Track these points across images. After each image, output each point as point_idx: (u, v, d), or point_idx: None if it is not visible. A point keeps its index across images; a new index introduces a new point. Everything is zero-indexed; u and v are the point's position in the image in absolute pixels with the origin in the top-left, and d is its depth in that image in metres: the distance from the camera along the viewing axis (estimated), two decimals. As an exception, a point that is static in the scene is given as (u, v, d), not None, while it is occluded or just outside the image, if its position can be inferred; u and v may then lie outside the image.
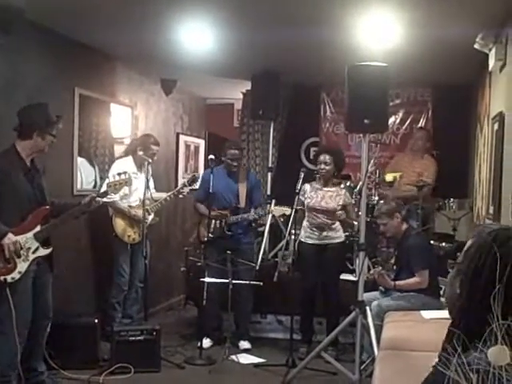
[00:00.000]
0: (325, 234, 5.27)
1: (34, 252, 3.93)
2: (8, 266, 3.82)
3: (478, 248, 1.38)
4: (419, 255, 4.70)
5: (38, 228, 3.95)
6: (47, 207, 4.03)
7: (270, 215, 5.76)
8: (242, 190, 5.54)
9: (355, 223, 5.29)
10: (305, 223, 5.34)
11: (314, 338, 5.43)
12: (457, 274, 1.44)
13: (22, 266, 3.86)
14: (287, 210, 5.24)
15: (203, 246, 5.49)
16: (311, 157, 7.33)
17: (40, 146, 3.97)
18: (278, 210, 5.31)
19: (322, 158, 5.29)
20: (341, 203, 5.25)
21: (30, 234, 3.91)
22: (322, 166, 5.26)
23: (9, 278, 3.80)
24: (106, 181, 5.12)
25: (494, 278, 1.29)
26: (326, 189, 5.32)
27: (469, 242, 1.46)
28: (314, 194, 5.31)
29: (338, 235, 5.31)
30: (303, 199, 5.27)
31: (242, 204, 5.52)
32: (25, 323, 3.92)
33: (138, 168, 5.44)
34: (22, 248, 3.86)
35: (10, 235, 3.80)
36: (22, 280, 3.87)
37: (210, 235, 5.32)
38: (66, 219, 4.13)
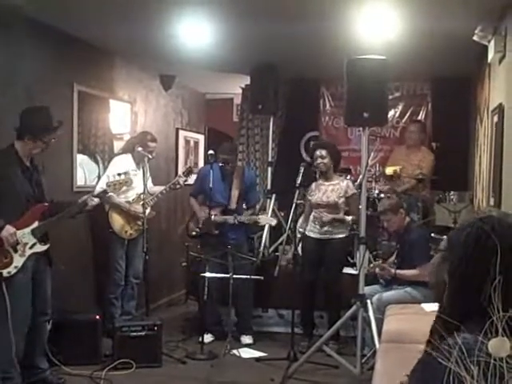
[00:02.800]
0: (325, 228, 5.29)
1: (30, 247, 3.95)
2: (4, 261, 3.83)
3: (466, 236, 1.37)
4: (421, 248, 4.72)
5: (35, 224, 3.98)
6: (45, 204, 4.05)
7: (270, 209, 5.78)
8: (235, 191, 5.54)
9: (348, 218, 5.26)
10: (311, 217, 5.38)
11: (315, 332, 5.44)
12: (443, 260, 1.43)
13: (18, 261, 3.88)
14: (273, 221, 5.38)
15: (200, 242, 5.55)
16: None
17: (31, 149, 3.97)
18: (263, 219, 5.37)
19: (317, 153, 5.34)
20: (342, 195, 5.26)
21: (28, 230, 3.94)
22: (319, 161, 5.30)
23: (5, 272, 3.81)
24: (103, 178, 5.14)
25: (482, 267, 1.30)
26: (327, 183, 5.36)
27: (455, 229, 1.46)
28: (317, 191, 5.35)
29: (340, 231, 5.31)
30: (310, 197, 5.34)
31: (233, 206, 5.52)
32: (24, 320, 3.92)
33: (137, 165, 5.44)
34: (18, 243, 3.88)
35: (8, 227, 3.82)
36: (19, 275, 3.88)
37: (197, 230, 5.42)
38: (64, 217, 4.12)
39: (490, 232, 1.32)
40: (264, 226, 5.80)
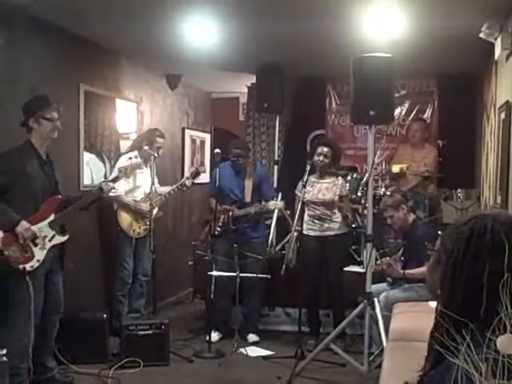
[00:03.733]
0: (326, 225, 5.30)
1: (50, 240, 4.02)
2: (26, 255, 3.89)
3: (455, 242, 1.37)
4: (428, 245, 4.70)
5: (52, 216, 4.04)
6: (59, 196, 4.10)
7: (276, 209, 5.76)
8: (248, 185, 5.55)
9: (349, 215, 5.33)
10: (306, 217, 5.35)
11: (322, 330, 5.43)
12: (437, 263, 1.43)
13: (40, 255, 3.95)
14: (279, 204, 5.36)
15: (213, 240, 5.55)
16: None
17: (42, 133, 4.00)
18: (271, 204, 5.39)
19: (320, 149, 5.30)
20: (338, 193, 5.28)
21: (45, 223, 4.00)
22: (321, 158, 5.27)
23: (28, 266, 3.88)
24: (112, 175, 5.17)
25: (473, 272, 1.30)
26: (322, 181, 5.35)
27: (448, 229, 1.45)
28: (311, 188, 5.31)
29: (340, 226, 5.32)
30: (299, 194, 5.22)
31: (248, 199, 5.53)
32: (36, 314, 3.96)
33: (144, 163, 5.45)
34: (37, 237, 3.94)
35: (23, 222, 3.86)
36: (39, 269, 3.95)
37: (218, 229, 5.39)
38: (80, 206, 4.18)
39: (482, 231, 1.32)
40: (270, 223, 5.80)
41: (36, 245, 3.93)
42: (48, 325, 4.15)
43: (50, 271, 4.11)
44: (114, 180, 4.44)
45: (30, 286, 3.83)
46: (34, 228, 3.93)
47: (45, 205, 4.01)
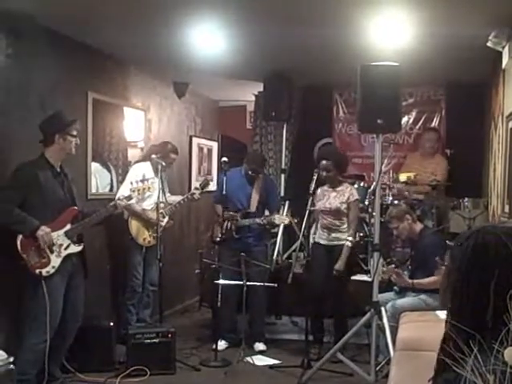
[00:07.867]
0: (333, 235, 5.30)
1: (65, 248, 4.13)
2: (42, 261, 4.00)
3: (460, 262, 1.36)
4: (436, 255, 4.67)
5: (68, 226, 4.15)
6: (76, 207, 4.22)
7: (284, 216, 5.78)
8: (255, 195, 5.56)
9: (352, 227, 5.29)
10: (318, 224, 5.36)
11: (326, 339, 5.40)
12: (447, 277, 1.42)
13: (55, 261, 4.06)
14: (286, 220, 5.49)
15: (217, 248, 5.54)
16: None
17: (65, 148, 4.16)
18: (278, 218, 5.42)
19: (321, 164, 5.27)
20: (344, 201, 5.26)
21: (61, 232, 4.11)
22: (325, 174, 5.26)
23: (44, 271, 3.99)
24: (124, 184, 5.19)
25: (481, 283, 1.30)
26: (331, 189, 5.36)
27: (454, 244, 1.44)
28: (322, 197, 5.33)
29: (347, 237, 5.31)
30: (315, 202, 5.27)
31: (253, 209, 5.53)
32: (53, 322, 4.01)
33: (155, 173, 5.45)
34: (54, 244, 4.04)
35: (44, 227, 3.99)
36: (56, 276, 4.05)
37: (220, 235, 5.41)
38: (95, 219, 4.30)
39: (487, 243, 1.31)
40: (277, 231, 5.81)
41: (52, 252, 4.04)
42: (65, 332, 4.21)
43: (72, 279, 4.21)
44: (128, 198, 4.54)
45: (46, 292, 3.91)
46: (52, 235, 4.04)
47: (62, 215, 4.13)
